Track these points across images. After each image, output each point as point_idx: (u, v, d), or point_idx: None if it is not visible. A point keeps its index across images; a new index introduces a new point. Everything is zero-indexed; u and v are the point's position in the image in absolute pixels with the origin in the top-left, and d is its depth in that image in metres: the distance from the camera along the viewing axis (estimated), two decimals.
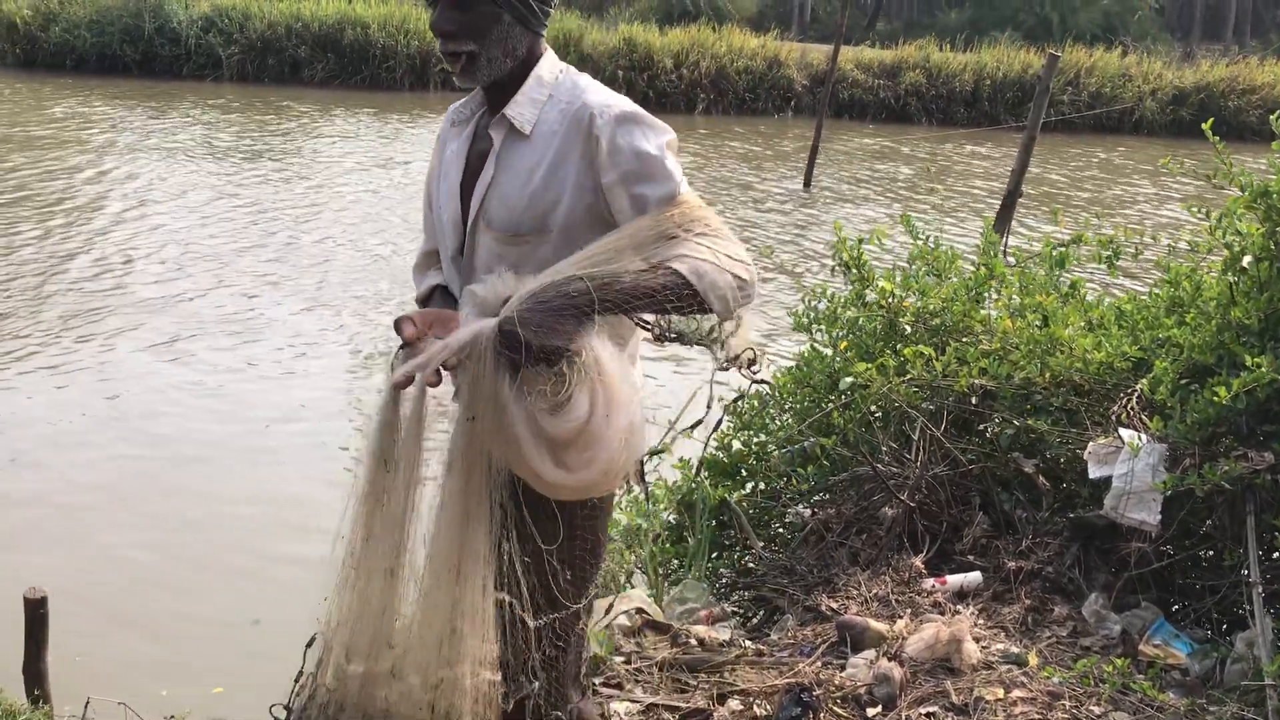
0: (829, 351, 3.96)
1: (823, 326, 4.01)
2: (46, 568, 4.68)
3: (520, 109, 2.07)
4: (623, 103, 2.05)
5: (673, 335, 1.95)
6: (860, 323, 3.94)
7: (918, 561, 3.38)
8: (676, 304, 1.87)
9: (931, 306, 3.85)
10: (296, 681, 2.21)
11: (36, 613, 3.12)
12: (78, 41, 21.19)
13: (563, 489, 1.94)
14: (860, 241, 3.99)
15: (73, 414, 6.31)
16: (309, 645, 2.16)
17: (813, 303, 4.06)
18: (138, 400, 6.58)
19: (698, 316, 1.93)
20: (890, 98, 23.95)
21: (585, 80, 2.12)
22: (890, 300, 3.90)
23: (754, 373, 2.05)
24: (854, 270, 3.98)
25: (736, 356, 2.01)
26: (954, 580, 3.32)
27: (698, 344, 1.97)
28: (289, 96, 20.13)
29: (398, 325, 1.99)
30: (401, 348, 1.98)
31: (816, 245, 11.67)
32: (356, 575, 2.01)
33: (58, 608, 3.24)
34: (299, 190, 12.77)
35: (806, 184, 15.11)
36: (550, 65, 2.12)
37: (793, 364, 4.10)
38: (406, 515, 1.98)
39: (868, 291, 4.00)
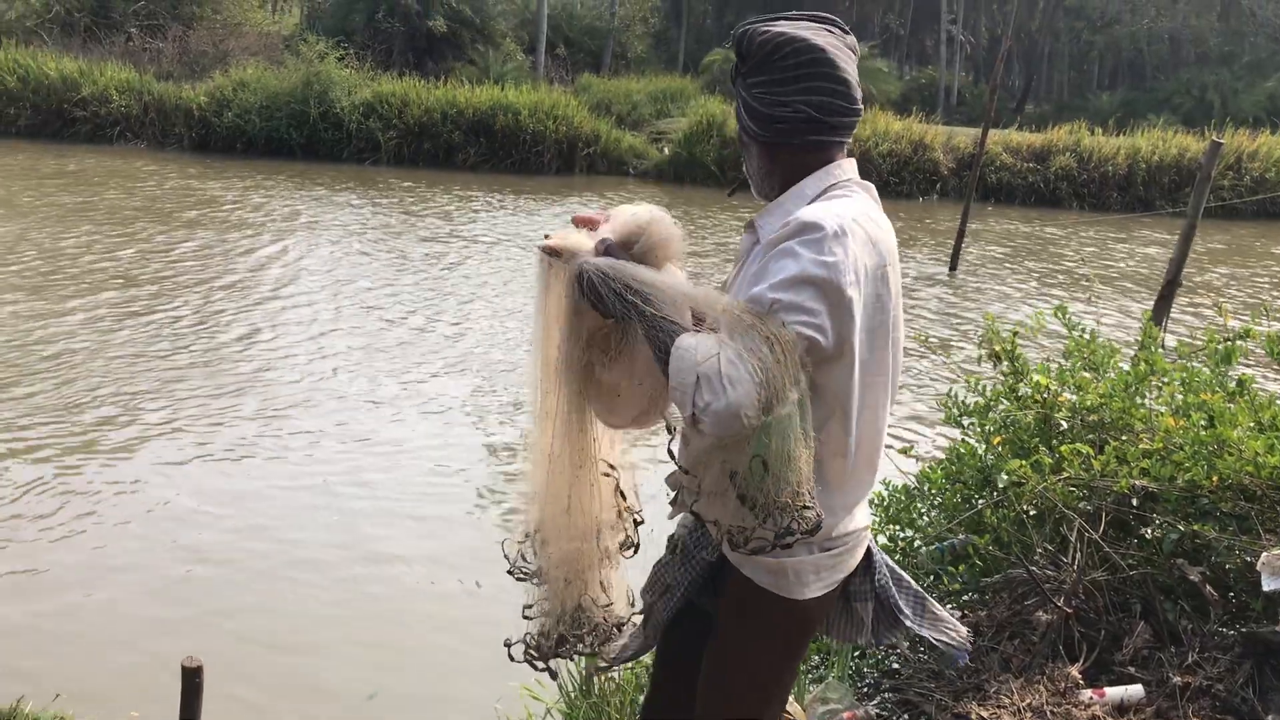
0: (980, 446, 3.85)
1: (974, 420, 3.90)
2: (184, 632, 4.84)
3: (767, 218, 2.11)
4: (820, 214, 1.96)
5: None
6: (1013, 417, 3.82)
7: (1074, 671, 3.21)
8: (661, 368, 1.91)
9: (1089, 402, 3.72)
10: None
11: (192, 681, 3.20)
12: (248, 126, 22.44)
13: (607, 422, 2.19)
14: (1014, 334, 3.88)
15: (228, 486, 6.55)
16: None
17: (964, 395, 3.96)
18: (286, 478, 6.79)
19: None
20: (1040, 181, 23.56)
21: (834, 193, 2.08)
22: (1045, 395, 3.78)
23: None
24: (1007, 362, 3.87)
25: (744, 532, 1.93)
26: (1113, 693, 3.14)
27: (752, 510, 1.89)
28: (442, 180, 20.88)
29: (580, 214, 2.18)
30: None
31: (962, 331, 11.46)
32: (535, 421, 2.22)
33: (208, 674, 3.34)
34: (454, 270, 13.16)
35: (952, 268, 14.90)
36: (820, 180, 2.10)
37: (943, 456, 4.00)
38: (540, 369, 2.16)
39: (1021, 385, 3.89)
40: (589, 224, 2.11)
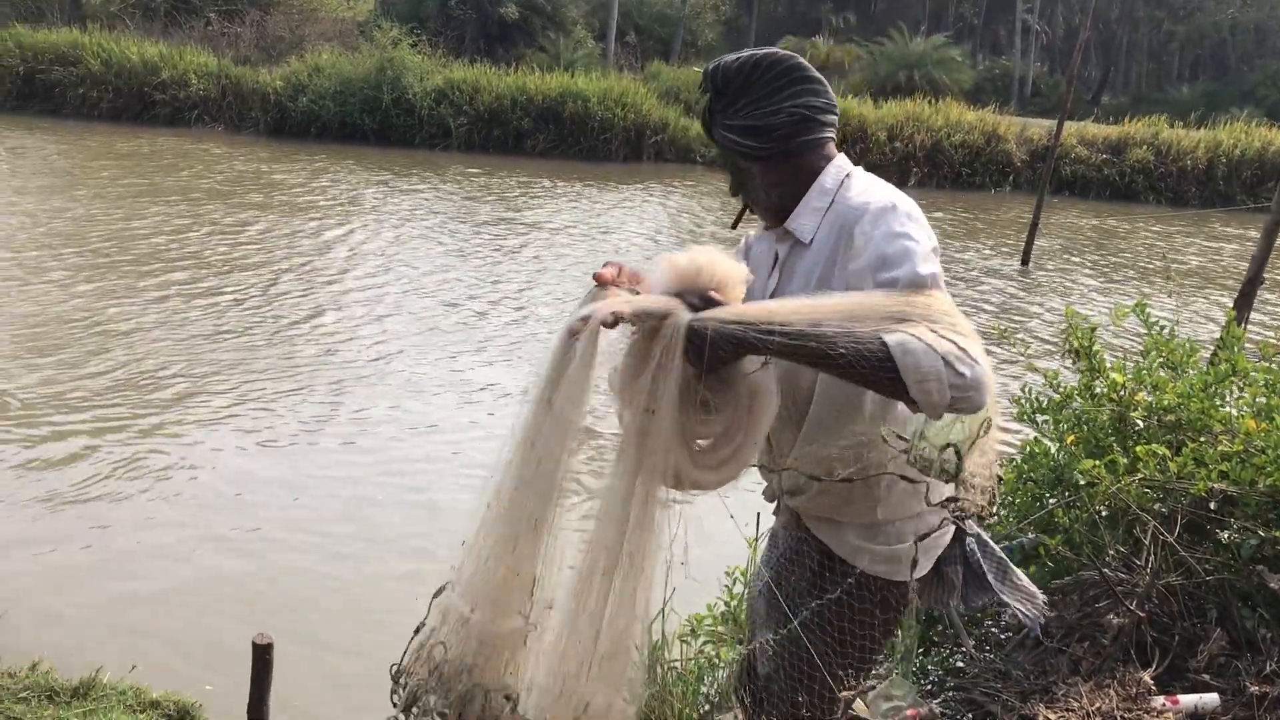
0: (1052, 445, 3.77)
1: (1048, 417, 3.83)
2: (253, 609, 4.93)
3: (801, 220, 2.16)
4: (887, 196, 2.05)
5: (914, 460, 1.89)
6: (1087, 415, 3.74)
7: (1146, 676, 3.15)
8: (871, 375, 1.77)
9: (1166, 402, 3.63)
10: (415, 634, 2.08)
11: (263, 658, 3.25)
12: (322, 111, 22.73)
13: (690, 485, 1.97)
14: (1093, 330, 3.80)
15: (293, 468, 6.66)
16: (435, 595, 2.04)
17: (1036, 391, 3.89)
18: (346, 461, 6.89)
19: (937, 437, 1.88)
20: (1115, 175, 23.11)
21: (861, 180, 2.15)
22: (1120, 393, 3.70)
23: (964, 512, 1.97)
24: (1084, 359, 3.79)
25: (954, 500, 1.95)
26: (1187, 700, 3.08)
27: (938, 476, 1.89)
28: (511, 166, 20.99)
29: (602, 271, 2.01)
30: (595, 288, 2.02)
31: (1034, 327, 11.27)
32: (498, 519, 1.93)
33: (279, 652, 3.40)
34: (517, 257, 13.23)
35: (1024, 262, 14.66)
36: (834, 173, 2.17)
37: (1013, 455, 3.93)
38: (559, 464, 1.89)
39: (1096, 382, 3.81)
40: (618, 280, 2.01)
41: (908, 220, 1.97)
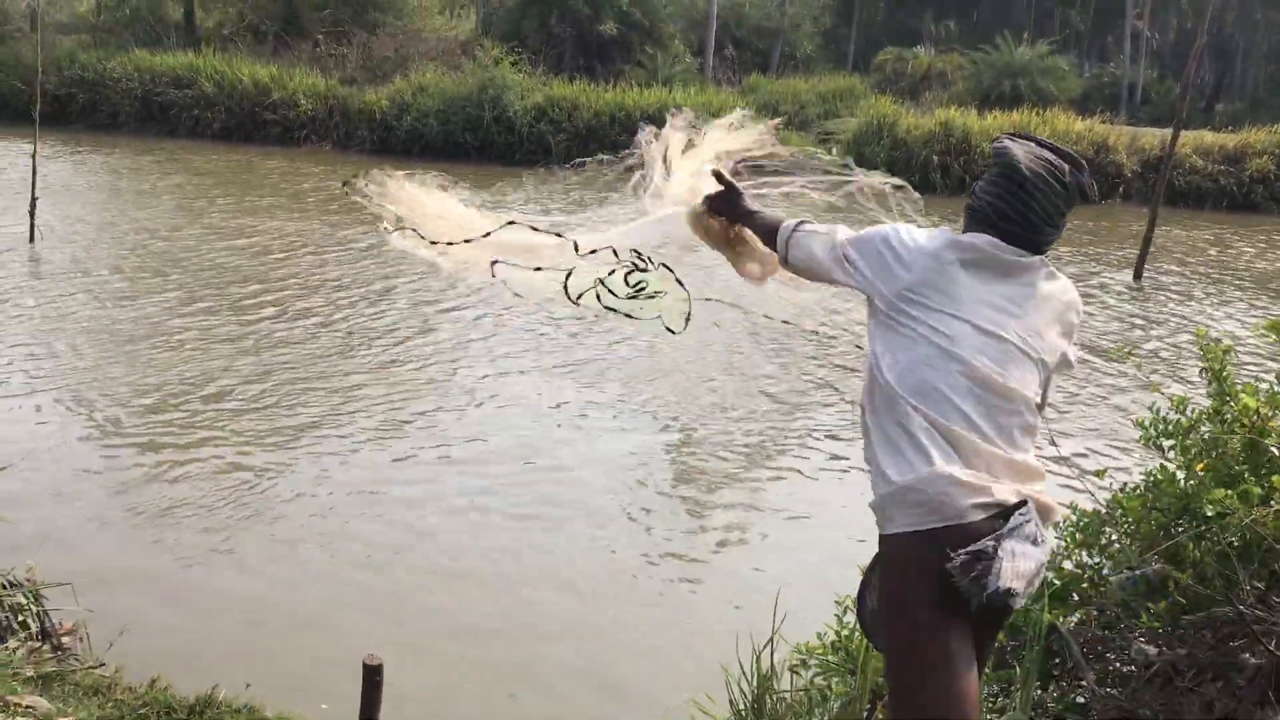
0: (1180, 472, 3.60)
1: (1174, 443, 3.66)
2: (362, 627, 4.98)
3: None
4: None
5: None
6: (1220, 441, 3.56)
7: None
8: None
9: None
10: None
11: (373, 678, 3.27)
12: (425, 129, 23.15)
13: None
14: (1226, 351, 3.62)
15: (401, 489, 6.73)
16: None
17: (1164, 414, 3.72)
18: (454, 480, 6.95)
19: None
20: (1233, 185, 22.31)
21: None
22: (1254, 419, 3.52)
23: None
24: (1216, 381, 3.62)
25: None
26: None
27: None
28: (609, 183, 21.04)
29: None
30: None
31: (1148, 344, 10.90)
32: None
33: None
34: None
35: (1137, 276, 14.22)
36: None
37: (1138, 481, 3.77)
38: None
39: (1227, 406, 3.62)
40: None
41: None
